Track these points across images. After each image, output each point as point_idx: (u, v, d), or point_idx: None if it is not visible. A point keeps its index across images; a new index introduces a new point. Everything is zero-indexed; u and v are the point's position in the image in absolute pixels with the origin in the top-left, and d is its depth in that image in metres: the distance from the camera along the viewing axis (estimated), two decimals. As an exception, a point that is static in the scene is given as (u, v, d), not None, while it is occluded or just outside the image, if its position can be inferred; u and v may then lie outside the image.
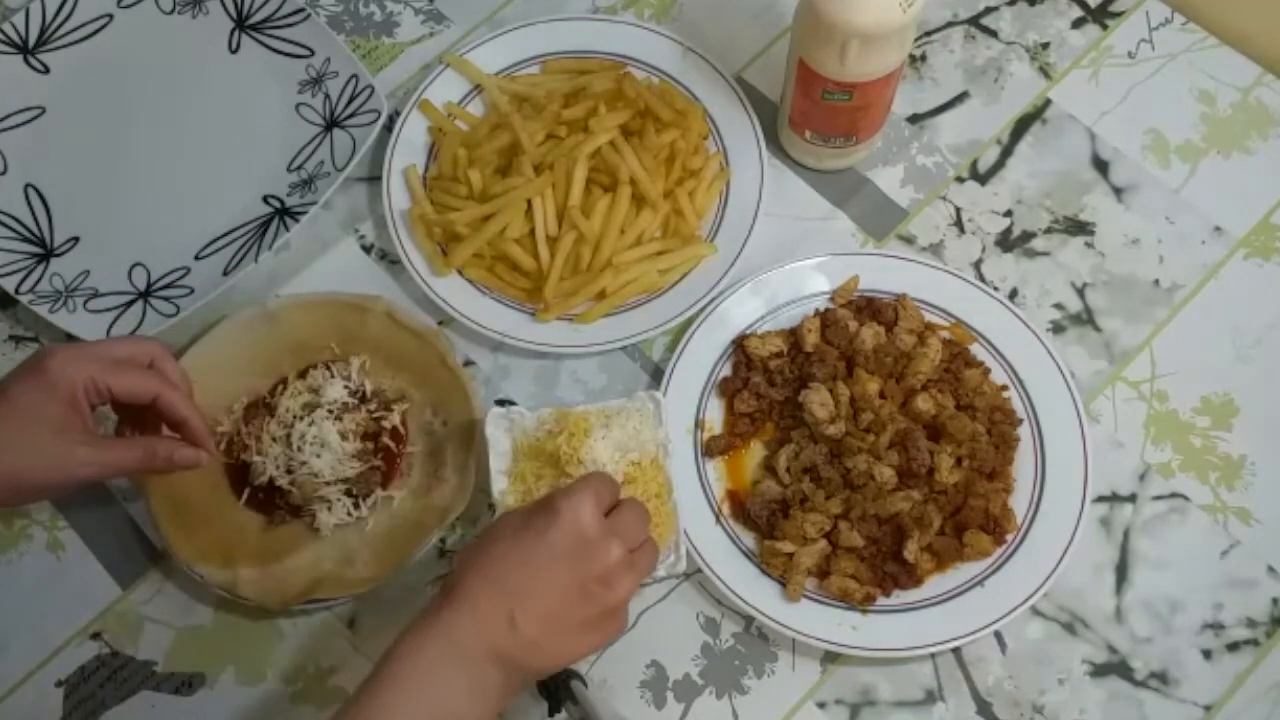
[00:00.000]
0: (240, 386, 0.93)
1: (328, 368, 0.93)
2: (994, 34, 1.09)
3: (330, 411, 0.90)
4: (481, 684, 0.71)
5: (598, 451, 0.86)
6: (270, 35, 1.07)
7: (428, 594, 0.89)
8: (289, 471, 0.89)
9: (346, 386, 0.92)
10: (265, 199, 1.01)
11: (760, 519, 0.89)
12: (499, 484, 0.88)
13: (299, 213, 0.99)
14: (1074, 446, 0.91)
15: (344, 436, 0.89)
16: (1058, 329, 0.98)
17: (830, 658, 0.88)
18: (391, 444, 0.91)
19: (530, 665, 0.73)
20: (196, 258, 0.99)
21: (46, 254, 0.99)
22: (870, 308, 0.96)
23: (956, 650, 0.88)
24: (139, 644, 0.89)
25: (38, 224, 1.01)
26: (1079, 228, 1.01)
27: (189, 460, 0.84)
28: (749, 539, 0.90)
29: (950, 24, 1.09)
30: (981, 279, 0.99)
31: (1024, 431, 0.92)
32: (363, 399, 0.93)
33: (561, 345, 0.96)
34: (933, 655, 0.88)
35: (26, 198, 1.01)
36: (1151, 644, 0.88)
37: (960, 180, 1.03)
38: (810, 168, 1.03)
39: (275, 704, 0.87)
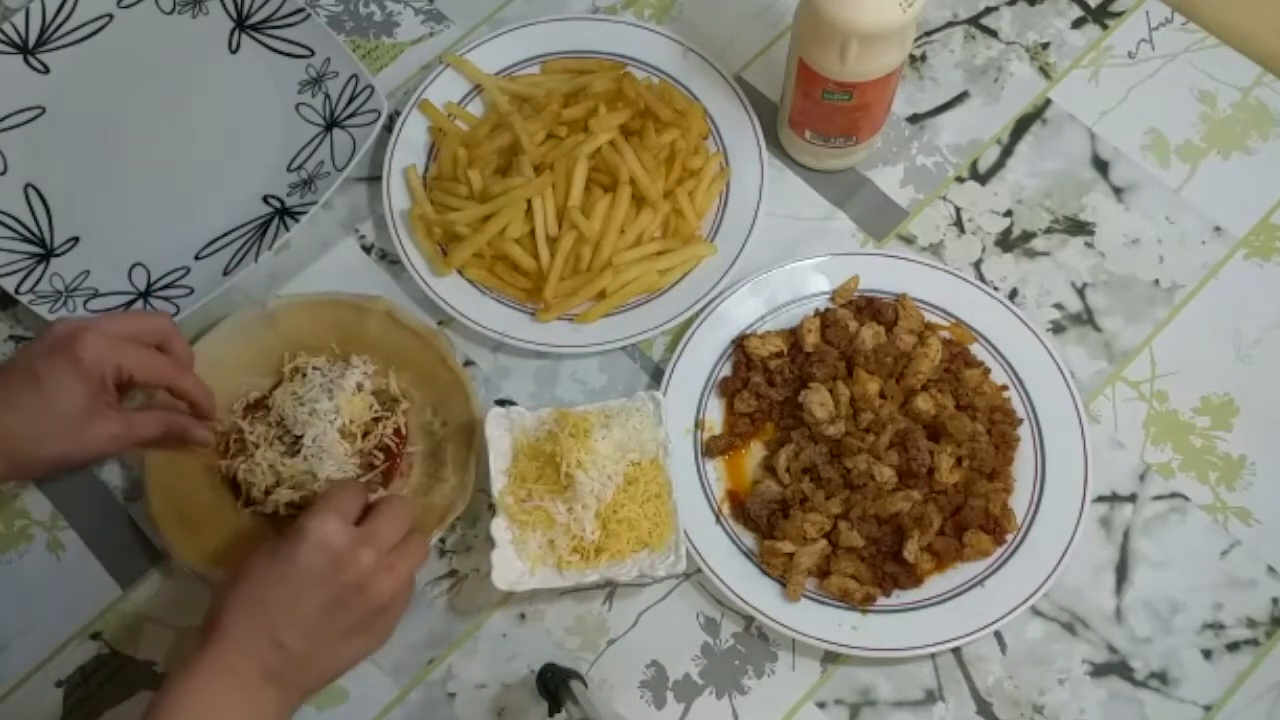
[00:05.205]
0: (240, 386, 0.93)
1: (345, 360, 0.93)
2: (994, 34, 1.09)
3: (333, 415, 0.90)
4: (259, 706, 0.73)
5: (598, 451, 0.87)
6: (270, 35, 1.07)
7: (428, 594, 0.90)
8: (278, 484, 0.88)
9: (360, 384, 0.92)
10: (265, 199, 1.01)
11: (760, 519, 0.89)
12: (499, 484, 0.88)
13: (299, 213, 0.99)
14: (1074, 446, 0.91)
15: (344, 436, 0.89)
16: (1058, 329, 0.98)
17: (830, 658, 0.88)
18: (392, 444, 0.91)
19: (306, 680, 0.76)
20: (196, 258, 0.99)
21: (46, 254, 0.99)
22: (870, 308, 0.96)
23: (956, 650, 0.88)
24: (139, 644, 0.89)
25: (38, 224, 1.01)
26: (1079, 228, 1.01)
27: (202, 439, 0.89)
28: (749, 539, 0.90)
29: (950, 24, 1.09)
30: (981, 279, 0.99)
31: (1024, 431, 0.92)
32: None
33: (561, 345, 0.96)
34: (933, 655, 0.88)
35: (26, 198, 1.01)
36: (1151, 644, 0.88)
37: (960, 180, 1.03)
38: (810, 168, 1.03)
39: (275, 704, 0.87)
